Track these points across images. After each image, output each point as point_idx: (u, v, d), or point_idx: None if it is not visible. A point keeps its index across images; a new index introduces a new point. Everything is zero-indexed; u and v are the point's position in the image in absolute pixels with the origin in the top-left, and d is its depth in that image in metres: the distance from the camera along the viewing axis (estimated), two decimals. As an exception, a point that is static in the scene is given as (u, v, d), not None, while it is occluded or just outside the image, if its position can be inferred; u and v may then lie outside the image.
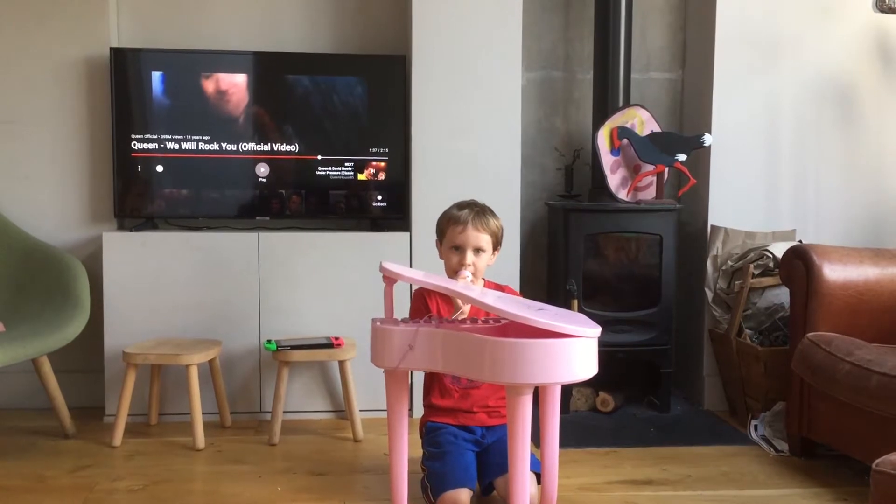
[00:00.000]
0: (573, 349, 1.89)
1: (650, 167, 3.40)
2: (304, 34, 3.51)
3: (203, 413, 2.97)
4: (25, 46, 3.30)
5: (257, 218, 3.39)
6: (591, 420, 3.31)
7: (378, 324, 2.12)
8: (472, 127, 3.31)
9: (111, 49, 3.27)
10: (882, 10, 3.29)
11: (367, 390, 3.17)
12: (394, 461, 2.20)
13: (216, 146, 3.32)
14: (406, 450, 2.20)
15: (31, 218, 3.33)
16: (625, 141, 3.38)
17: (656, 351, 3.38)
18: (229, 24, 3.47)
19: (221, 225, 3.42)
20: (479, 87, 3.30)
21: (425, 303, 2.51)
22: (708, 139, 3.35)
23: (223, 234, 3.30)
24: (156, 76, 3.28)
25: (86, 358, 3.29)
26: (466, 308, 2.39)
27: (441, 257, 2.54)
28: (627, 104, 3.45)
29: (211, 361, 3.11)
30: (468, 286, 2.30)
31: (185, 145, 3.30)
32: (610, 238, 3.49)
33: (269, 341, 3.06)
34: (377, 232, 3.38)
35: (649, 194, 3.45)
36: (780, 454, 2.93)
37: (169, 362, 2.97)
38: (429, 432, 2.52)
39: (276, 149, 3.34)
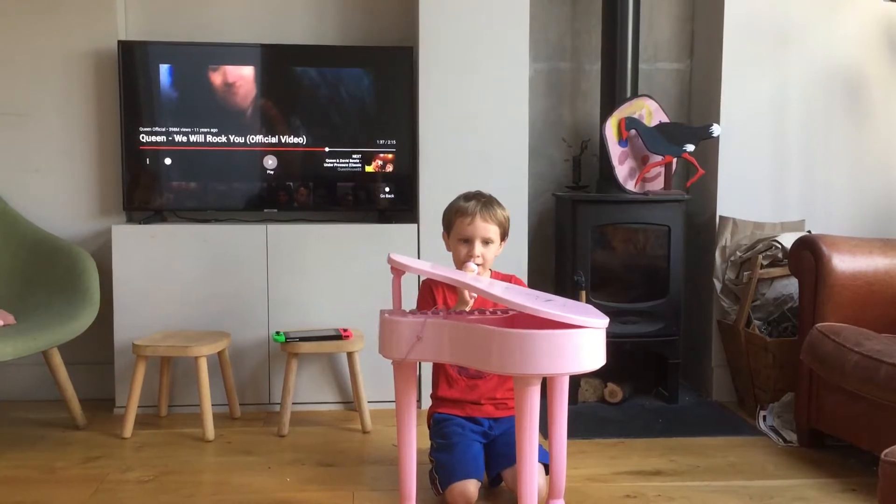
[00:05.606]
0: (581, 340, 1.89)
1: (658, 158, 3.39)
2: (311, 26, 3.51)
3: (212, 404, 2.99)
4: (34, 39, 3.31)
5: (265, 210, 3.39)
6: (599, 411, 3.31)
7: (386, 315, 2.13)
8: (480, 118, 3.31)
9: (119, 42, 3.28)
10: (891, -1, 3.28)
11: (375, 382, 3.18)
12: (402, 452, 2.20)
13: (224, 139, 3.32)
14: (414, 441, 2.21)
15: (41, 211, 3.35)
16: (633, 132, 3.37)
17: (664, 342, 3.37)
18: (236, 17, 3.48)
19: (230, 217, 3.42)
20: (487, 78, 3.30)
21: (432, 293, 2.51)
22: (716, 130, 3.34)
23: (231, 226, 3.30)
24: (163, 69, 3.29)
25: (96, 350, 3.31)
26: (470, 301, 2.39)
27: (448, 249, 2.53)
28: (635, 95, 3.44)
29: (220, 353, 3.12)
30: (476, 278, 2.30)
31: (193, 138, 3.31)
32: (618, 229, 3.49)
33: (277, 333, 3.08)
34: (385, 224, 3.39)
35: (657, 185, 3.45)
36: (788, 445, 2.92)
37: (178, 354, 2.99)
38: (436, 424, 2.53)
39: (283, 141, 3.35)
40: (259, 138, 3.34)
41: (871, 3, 3.45)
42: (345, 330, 3.10)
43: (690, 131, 3.39)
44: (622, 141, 3.40)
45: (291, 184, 3.38)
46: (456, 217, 2.47)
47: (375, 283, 3.14)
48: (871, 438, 2.53)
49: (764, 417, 3.11)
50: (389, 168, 3.40)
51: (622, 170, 3.41)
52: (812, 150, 3.52)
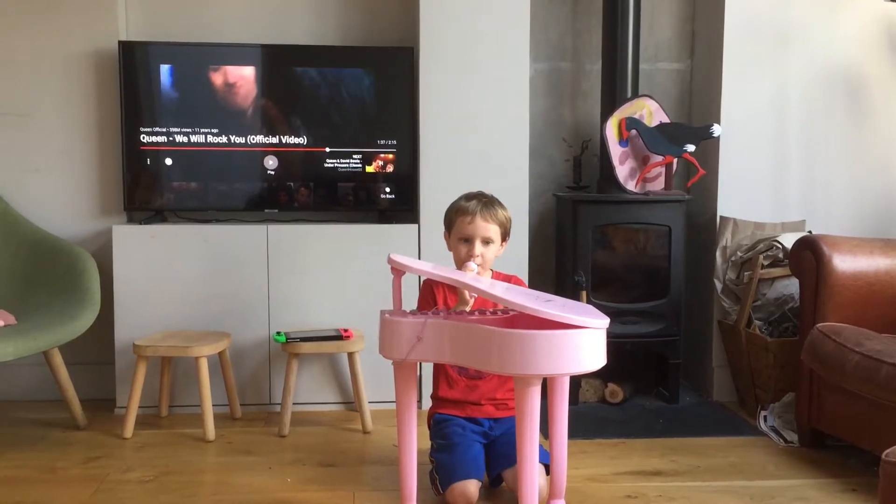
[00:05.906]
0: (581, 340, 1.88)
1: (659, 158, 3.39)
2: (311, 26, 3.51)
3: (213, 405, 2.99)
4: (34, 40, 3.31)
5: (266, 210, 3.39)
6: (599, 411, 3.31)
7: (386, 315, 2.13)
8: (480, 118, 3.31)
9: (119, 42, 3.28)
10: (892, -1, 3.28)
11: (375, 382, 3.18)
12: (403, 452, 2.20)
13: (224, 139, 3.32)
14: (415, 441, 2.21)
15: (42, 211, 3.35)
16: (633, 132, 3.37)
17: (665, 342, 3.37)
18: (237, 17, 3.48)
19: (230, 217, 3.42)
20: (487, 78, 3.30)
21: (432, 293, 2.52)
22: (717, 130, 3.34)
23: (232, 226, 3.30)
24: (164, 69, 3.29)
25: (96, 350, 3.31)
26: (471, 301, 2.39)
27: (449, 249, 2.53)
28: (636, 95, 3.44)
29: (220, 353, 3.12)
30: (476, 278, 2.30)
31: (193, 138, 3.31)
32: (618, 229, 3.49)
33: (278, 333, 3.08)
34: (385, 224, 3.39)
35: (658, 185, 3.45)
36: (789, 445, 2.92)
37: (179, 354, 2.99)
38: (436, 424, 2.53)
39: (284, 141, 3.35)
40: (259, 138, 3.34)
41: (871, 3, 3.45)
42: (345, 330, 3.10)
43: (691, 131, 3.39)
44: (623, 141, 3.40)
45: (292, 184, 3.38)
46: (457, 216, 2.47)
47: (376, 284, 3.14)
48: (872, 438, 2.53)
49: (765, 417, 3.10)
50: (390, 168, 3.40)
51: (623, 170, 3.41)
52: (812, 150, 3.52)
